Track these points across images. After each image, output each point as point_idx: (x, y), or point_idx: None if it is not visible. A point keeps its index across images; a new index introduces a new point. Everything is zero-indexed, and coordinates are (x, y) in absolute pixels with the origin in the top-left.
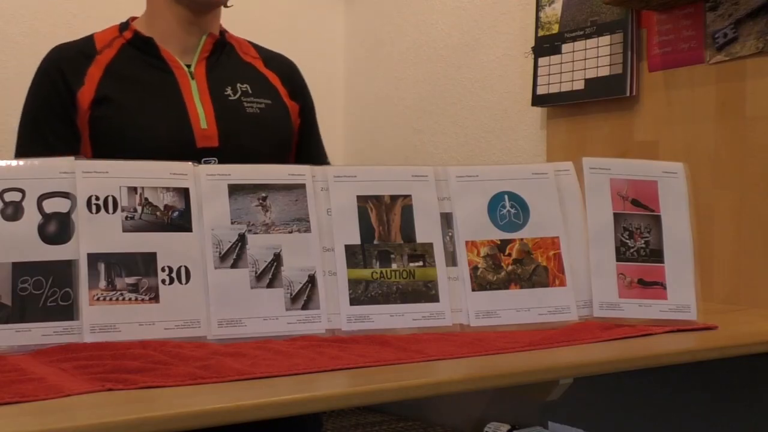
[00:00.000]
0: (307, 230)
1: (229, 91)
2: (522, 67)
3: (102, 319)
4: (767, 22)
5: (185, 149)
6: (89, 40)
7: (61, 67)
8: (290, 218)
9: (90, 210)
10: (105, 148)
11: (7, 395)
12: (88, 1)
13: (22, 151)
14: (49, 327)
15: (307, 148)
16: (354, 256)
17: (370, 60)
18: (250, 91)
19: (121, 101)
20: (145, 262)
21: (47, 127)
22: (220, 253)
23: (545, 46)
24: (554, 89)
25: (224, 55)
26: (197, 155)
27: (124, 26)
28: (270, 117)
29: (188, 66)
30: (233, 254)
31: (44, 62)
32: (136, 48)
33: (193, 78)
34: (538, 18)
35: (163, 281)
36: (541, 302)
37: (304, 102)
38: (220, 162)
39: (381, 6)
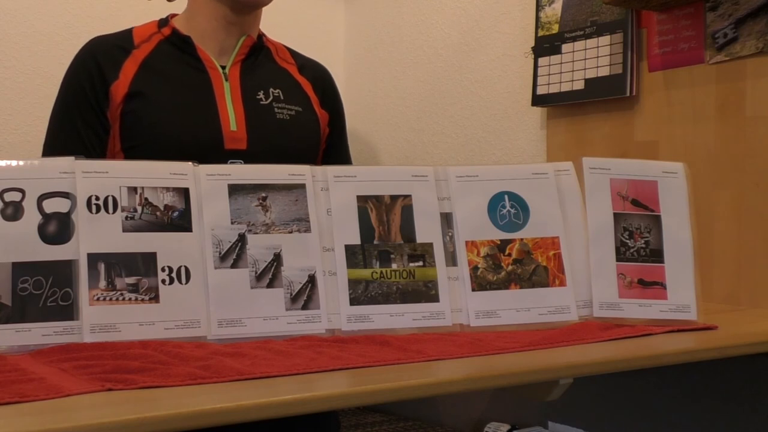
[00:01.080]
0: (307, 230)
1: (261, 95)
2: (522, 67)
3: (102, 319)
4: (767, 22)
5: (213, 149)
6: (128, 33)
7: (98, 58)
8: (290, 218)
9: (90, 210)
10: (133, 143)
11: (7, 395)
12: (88, 2)
13: (51, 137)
14: (49, 327)
15: (334, 156)
16: (354, 256)
17: (370, 60)
18: (281, 97)
19: (153, 97)
20: (145, 262)
21: (78, 115)
22: (220, 253)
23: (545, 46)
24: (554, 89)
25: (260, 59)
26: (224, 156)
27: (164, 22)
28: (299, 124)
29: (223, 67)
30: (233, 254)
31: (81, 52)
32: (174, 45)
33: (226, 79)
34: (538, 18)
35: (163, 281)
36: (541, 302)
37: (334, 111)
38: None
39: (381, 6)
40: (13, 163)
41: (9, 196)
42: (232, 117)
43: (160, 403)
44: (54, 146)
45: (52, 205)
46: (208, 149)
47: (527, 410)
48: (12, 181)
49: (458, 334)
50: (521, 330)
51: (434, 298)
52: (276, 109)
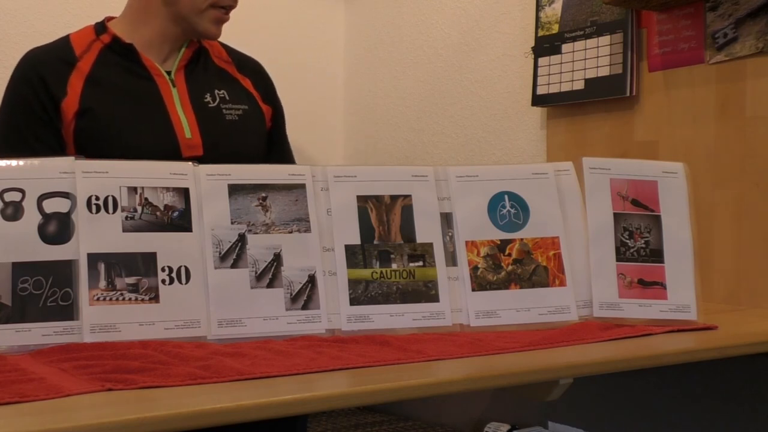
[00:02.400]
0: (307, 230)
1: (208, 98)
2: (522, 67)
3: (102, 319)
4: (767, 22)
5: (171, 159)
6: (65, 43)
7: (42, 73)
8: (290, 218)
9: (90, 210)
10: (92, 158)
11: (7, 395)
12: (88, 2)
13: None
14: (49, 327)
15: (278, 149)
16: (354, 256)
17: (370, 60)
18: (227, 98)
19: (105, 113)
20: (145, 262)
21: (30, 132)
22: (220, 253)
23: (545, 46)
24: (554, 89)
25: (201, 62)
26: None
27: (101, 28)
28: (248, 123)
29: (168, 73)
30: (233, 254)
31: (21, 67)
32: (116, 53)
33: (174, 86)
34: (538, 18)
35: (163, 281)
36: (541, 302)
37: (275, 105)
38: None
39: (381, 6)
40: (13, 163)
41: (9, 196)
42: (185, 124)
43: (160, 403)
44: None
45: (52, 205)
46: (167, 159)
47: (527, 410)
48: (12, 181)
49: (458, 334)
50: (521, 330)
51: (434, 298)
52: (224, 111)
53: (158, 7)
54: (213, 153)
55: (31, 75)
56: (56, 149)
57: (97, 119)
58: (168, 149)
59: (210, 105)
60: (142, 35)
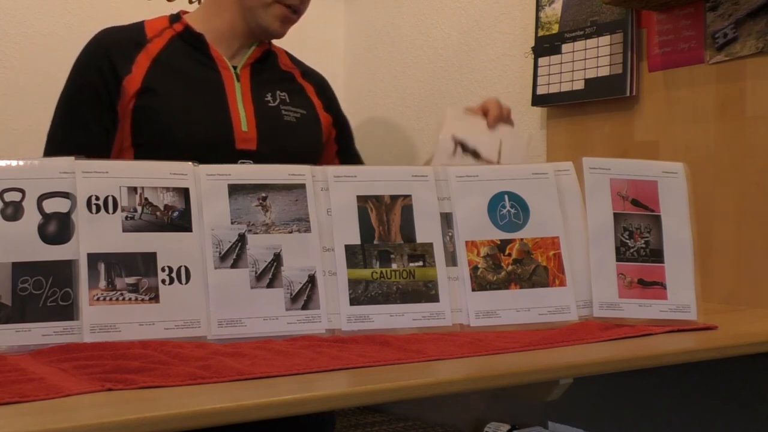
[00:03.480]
0: (307, 230)
1: (269, 97)
2: (522, 67)
3: (102, 319)
4: (767, 22)
5: (224, 149)
6: (140, 26)
7: (109, 51)
8: (290, 218)
9: (90, 210)
10: (146, 139)
11: (7, 395)
12: (88, 2)
13: (57, 129)
14: (49, 327)
15: (348, 154)
16: (354, 256)
17: (370, 60)
18: (288, 100)
19: (166, 94)
20: (145, 262)
21: (88, 108)
22: (220, 253)
23: (545, 46)
24: (554, 89)
25: (267, 63)
26: (235, 156)
27: (175, 18)
28: (305, 126)
29: (235, 68)
30: (233, 254)
31: (92, 44)
32: (186, 42)
33: (238, 80)
34: (538, 18)
35: (163, 281)
36: (541, 302)
37: (337, 113)
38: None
39: (381, 6)
40: (13, 163)
41: (9, 196)
42: (243, 117)
43: (160, 403)
44: (61, 139)
45: (52, 205)
46: (220, 148)
47: (527, 410)
48: (12, 181)
49: (458, 334)
50: (521, 330)
51: (434, 298)
52: (283, 111)
53: (229, 0)
54: (266, 149)
55: (98, 51)
56: (108, 127)
57: (158, 100)
58: (222, 139)
59: (270, 104)
60: (214, 28)
